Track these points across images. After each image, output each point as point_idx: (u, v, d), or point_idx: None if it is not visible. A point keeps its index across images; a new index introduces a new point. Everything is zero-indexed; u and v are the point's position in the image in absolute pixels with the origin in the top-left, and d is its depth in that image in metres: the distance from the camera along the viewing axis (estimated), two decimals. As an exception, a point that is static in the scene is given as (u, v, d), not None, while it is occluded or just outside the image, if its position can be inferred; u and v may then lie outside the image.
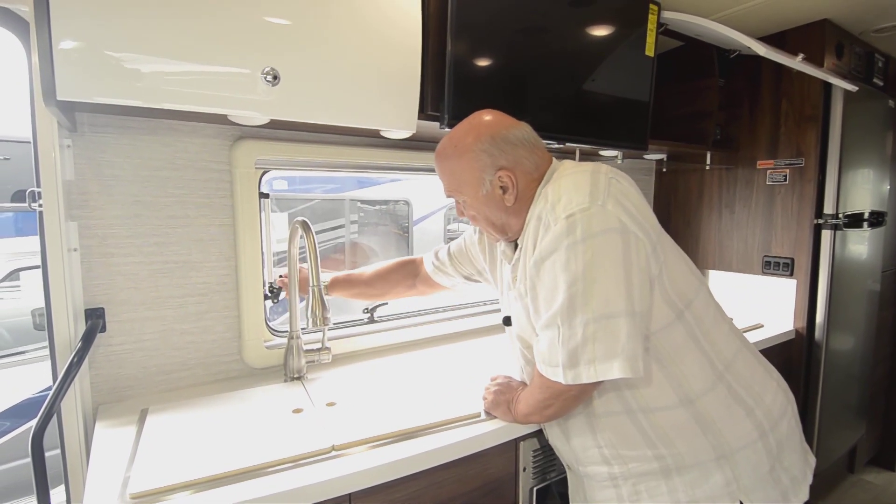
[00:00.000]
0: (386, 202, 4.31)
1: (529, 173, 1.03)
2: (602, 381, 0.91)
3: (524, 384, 1.17)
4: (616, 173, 1.00)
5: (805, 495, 1.04)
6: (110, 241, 1.23)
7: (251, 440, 1.03)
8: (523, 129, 1.05)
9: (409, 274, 1.53)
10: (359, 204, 4.19)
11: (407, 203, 4.21)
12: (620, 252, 0.89)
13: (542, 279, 0.94)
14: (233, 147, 1.33)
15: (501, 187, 1.02)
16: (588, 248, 0.88)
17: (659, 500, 0.99)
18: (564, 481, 1.20)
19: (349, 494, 0.94)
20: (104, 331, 1.23)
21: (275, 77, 1.01)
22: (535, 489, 1.20)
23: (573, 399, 0.97)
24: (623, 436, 0.99)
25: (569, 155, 1.97)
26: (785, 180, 2.00)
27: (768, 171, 2.05)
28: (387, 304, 1.71)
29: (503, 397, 1.15)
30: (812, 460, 1.10)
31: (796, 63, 1.65)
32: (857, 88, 1.89)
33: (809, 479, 1.06)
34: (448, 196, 1.12)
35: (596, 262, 0.88)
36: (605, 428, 1.01)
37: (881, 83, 2.35)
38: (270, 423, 1.11)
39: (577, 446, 1.06)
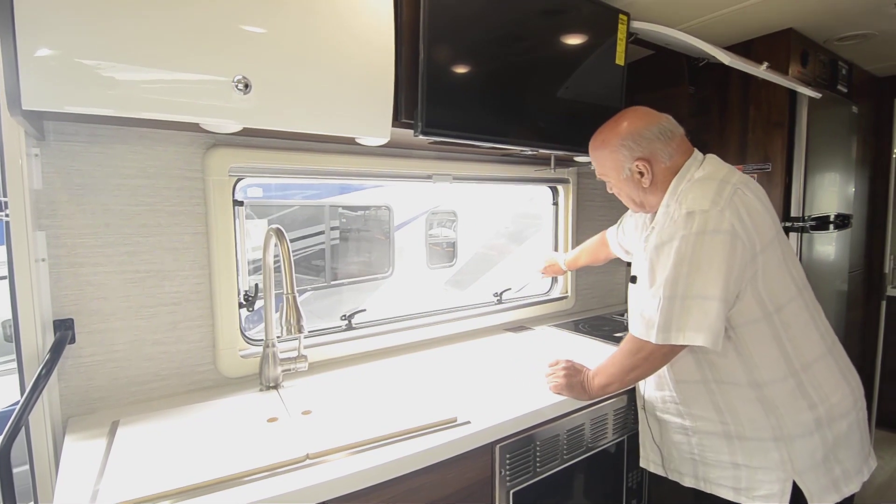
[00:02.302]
0: (367, 208, 4.30)
1: (663, 161, 1.25)
2: (684, 347, 1.14)
3: (584, 366, 1.36)
4: (746, 184, 1.19)
5: (856, 487, 1.19)
6: (80, 250, 1.21)
7: (224, 450, 1.02)
8: (661, 125, 1.26)
9: (605, 244, 1.82)
10: (340, 210, 4.17)
11: (388, 209, 4.20)
12: (727, 250, 1.09)
13: (660, 259, 1.15)
14: (206, 155, 1.32)
15: (639, 173, 1.26)
16: (699, 240, 1.09)
17: (720, 455, 1.22)
18: (548, 480, 1.22)
19: (324, 503, 0.94)
20: (73, 342, 1.21)
21: (246, 85, 1.01)
22: (511, 492, 1.21)
23: (658, 360, 1.18)
24: (695, 399, 1.24)
25: (544, 161, 2.00)
26: (753, 184, 2.05)
27: (737, 176, 2.11)
28: (365, 310, 1.71)
29: (576, 379, 1.32)
30: (872, 463, 1.25)
31: (761, 71, 1.70)
32: (820, 95, 1.96)
33: (865, 476, 1.21)
34: (599, 178, 1.39)
35: (704, 253, 1.09)
36: (682, 391, 1.26)
37: (845, 90, 2.43)
38: (244, 433, 1.10)
39: (658, 398, 1.33)
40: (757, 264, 1.13)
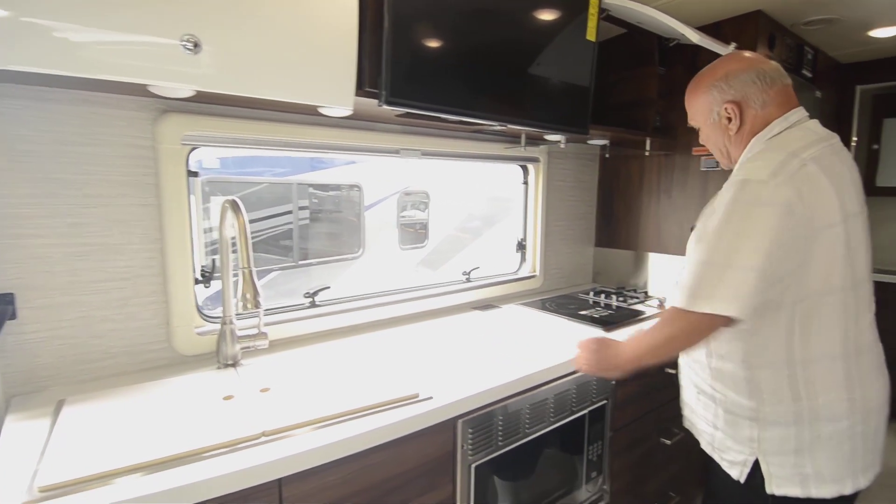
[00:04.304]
0: (338, 188, 4.21)
1: (755, 108, 1.18)
2: (721, 320, 1.04)
3: (616, 340, 1.29)
4: (818, 161, 1.08)
5: (827, 493, 1.11)
6: (21, 221, 1.14)
7: (174, 429, 0.98)
8: (760, 69, 1.19)
9: None
10: (310, 190, 4.07)
11: (358, 188, 4.13)
12: (777, 223, 1.02)
13: (708, 226, 1.10)
14: (157, 121, 1.25)
15: (727, 118, 1.21)
16: (749, 211, 1.04)
17: (707, 414, 1.25)
18: (510, 454, 1.23)
19: (279, 479, 0.91)
20: (14, 318, 1.14)
21: (195, 45, 0.95)
22: (473, 465, 1.22)
23: (694, 330, 1.10)
24: (699, 362, 1.25)
25: (515, 138, 1.98)
26: (717, 166, 2.07)
27: (702, 158, 2.13)
28: (329, 288, 1.67)
29: (605, 353, 1.27)
30: (863, 481, 1.13)
31: (728, 52, 1.70)
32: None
33: (846, 489, 1.11)
34: (689, 124, 1.36)
35: (751, 224, 1.03)
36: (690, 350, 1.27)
37: (810, 75, 2.47)
38: (197, 411, 1.06)
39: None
40: (810, 246, 1.05)
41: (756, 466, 1.15)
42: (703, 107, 1.27)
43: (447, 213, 4.63)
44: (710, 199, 1.27)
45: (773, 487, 1.13)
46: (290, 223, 3.89)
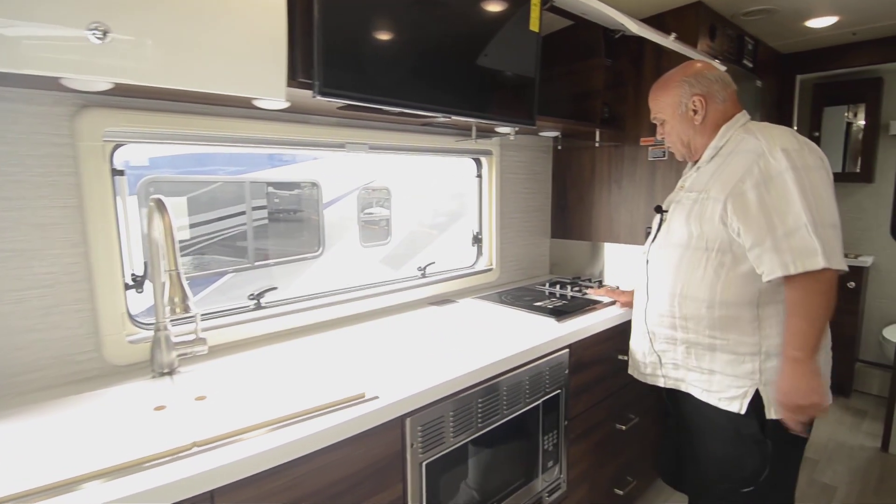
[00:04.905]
0: (296, 184, 4.10)
1: (718, 102, 1.39)
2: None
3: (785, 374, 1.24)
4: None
5: None
6: (-78, 228, 1.05)
7: (96, 445, 0.92)
8: (720, 72, 1.43)
9: None
10: (269, 188, 3.95)
11: (315, 185, 4.03)
12: (830, 184, 1.21)
13: (770, 194, 1.19)
14: (75, 117, 1.17)
15: (693, 109, 1.39)
16: (808, 175, 1.18)
17: (701, 363, 1.38)
18: (462, 449, 1.21)
19: (211, 492, 0.87)
20: (-82, 333, 1.05)
21: (105, 33, 0.88)
22: (424, 464, 1.19)
23: (833, 287, 1.16)
24: (695, 316, 1.36)
25: (465, 132, 1.96)
26: (664, 156, 2.11)
27: (650, 148, 2.16)
28: (276, 288, 1.62)
29: (797, 390, 1.20)
30: (827, 400, 1.27)
31: (669, 42, 1.73)
32: (725, 69, 2.02)
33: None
34: (653, 119, 1.52)
35: (818, 186, 1.18)
36: (686, 307, 1.38)
37: (751, 65, 2.54)
38: (124, 425, 1.00)
39: (656, 311, 1.47)
40: None
41: (755, 398, 1.28)
42: (672, 100, 1.42)
43: (411, 209, 4.58)
44: (686, 175, 1.46)
45: (772, 412, 1.27)
46: (244, 224, 3.76)
